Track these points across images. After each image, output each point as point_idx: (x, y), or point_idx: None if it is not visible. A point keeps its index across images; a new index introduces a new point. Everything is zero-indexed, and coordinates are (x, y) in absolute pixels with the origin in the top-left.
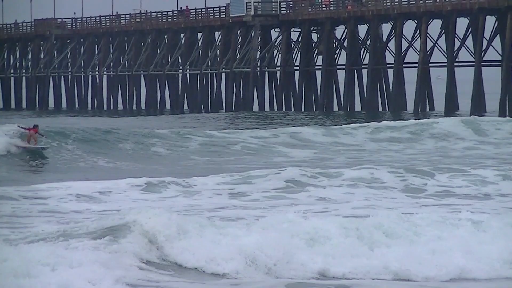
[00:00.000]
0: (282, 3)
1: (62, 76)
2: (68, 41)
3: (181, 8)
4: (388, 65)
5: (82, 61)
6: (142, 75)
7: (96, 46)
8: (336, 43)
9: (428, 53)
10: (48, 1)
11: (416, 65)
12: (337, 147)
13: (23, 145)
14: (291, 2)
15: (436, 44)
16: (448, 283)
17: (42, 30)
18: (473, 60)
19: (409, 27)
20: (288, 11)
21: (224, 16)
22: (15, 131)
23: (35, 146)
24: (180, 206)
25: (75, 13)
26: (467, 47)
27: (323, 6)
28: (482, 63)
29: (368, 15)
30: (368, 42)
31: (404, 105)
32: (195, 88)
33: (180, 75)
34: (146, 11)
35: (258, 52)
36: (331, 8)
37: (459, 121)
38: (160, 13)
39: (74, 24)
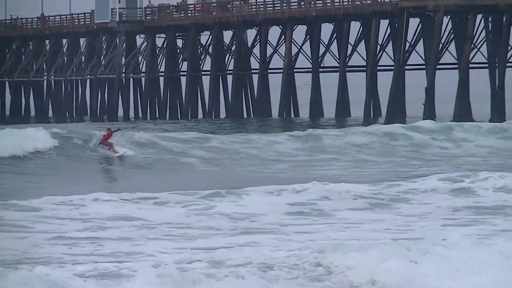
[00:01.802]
0: (147, 9)
1: None
2: None
3: (41, 14)
4: (253, 71)
5: None
6: (6, 82)
7: None
8: (201, 49)
9: (293, 58)
10: None
11: (281, 70)
12: None
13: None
14: (156, 8)
15: (301, 50)
16: None
17: None
18: (338, 65)
19: (274, 32)
20: (153, 17)
21: (89, 22)
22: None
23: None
24: None
25: None
26: (332, 53)
27: (189, 12)
28: (346, 69)
29: (233, 21)
30: (233, 48)
31: (269, 111)
32: (60, 94)
33: (45, 81)
34: (18, 16)
35: (123, 58)
36: (196, 14)
37: None
38: (25, 19)
39: None
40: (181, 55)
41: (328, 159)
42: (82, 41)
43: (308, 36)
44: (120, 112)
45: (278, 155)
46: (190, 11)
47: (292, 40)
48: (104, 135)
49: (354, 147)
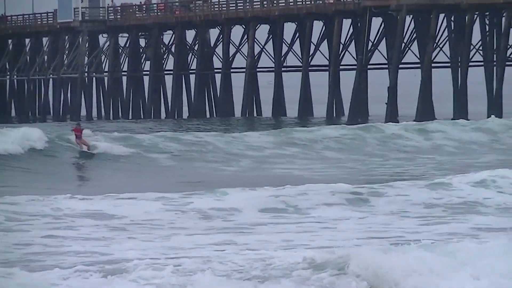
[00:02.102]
0: (110, 9)
1: None
2: None
3: (1, 15)
4: (215, 70)
5: None
6: None
7: None
8: (164, 48)
9: (255, 58)
10: None
11: (244, 70)
12: None
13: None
14: (119, 8)
15: (264, 49)
16: None
17: None
18: (301, 65)
19: (237, 32)
20: (116, 17)
21: (52, 21)
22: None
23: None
24: None
25: None
26: (295, 52)
27: (151, 12)
28: (309, 68)
29: (195, 21)
30: (196, 47)
31: (231, 111)
32: (22, 94)
33: (8, 81)
34: None
35: (86, 58)
36: (159, 13)
37: None
38: None
39: None
40: (144, 55)
41: (294, 155)
42: (44, 40)
43: (271, 36)
44: (83, 112)
45: (247, 149)
46: (153, 11)
47: (255, 40)
48: (73, 128)
49: (324, 141)
